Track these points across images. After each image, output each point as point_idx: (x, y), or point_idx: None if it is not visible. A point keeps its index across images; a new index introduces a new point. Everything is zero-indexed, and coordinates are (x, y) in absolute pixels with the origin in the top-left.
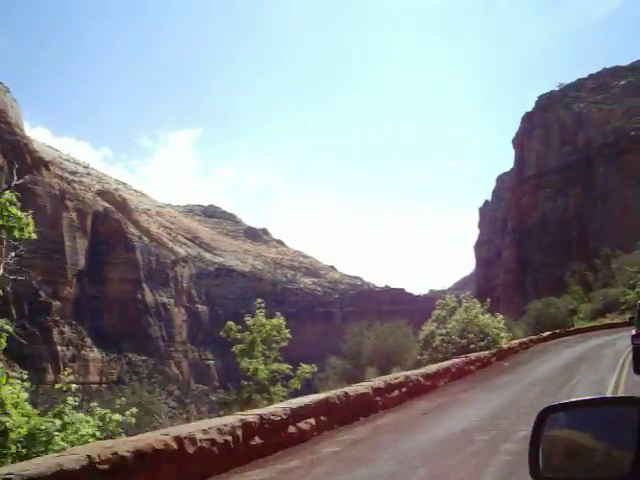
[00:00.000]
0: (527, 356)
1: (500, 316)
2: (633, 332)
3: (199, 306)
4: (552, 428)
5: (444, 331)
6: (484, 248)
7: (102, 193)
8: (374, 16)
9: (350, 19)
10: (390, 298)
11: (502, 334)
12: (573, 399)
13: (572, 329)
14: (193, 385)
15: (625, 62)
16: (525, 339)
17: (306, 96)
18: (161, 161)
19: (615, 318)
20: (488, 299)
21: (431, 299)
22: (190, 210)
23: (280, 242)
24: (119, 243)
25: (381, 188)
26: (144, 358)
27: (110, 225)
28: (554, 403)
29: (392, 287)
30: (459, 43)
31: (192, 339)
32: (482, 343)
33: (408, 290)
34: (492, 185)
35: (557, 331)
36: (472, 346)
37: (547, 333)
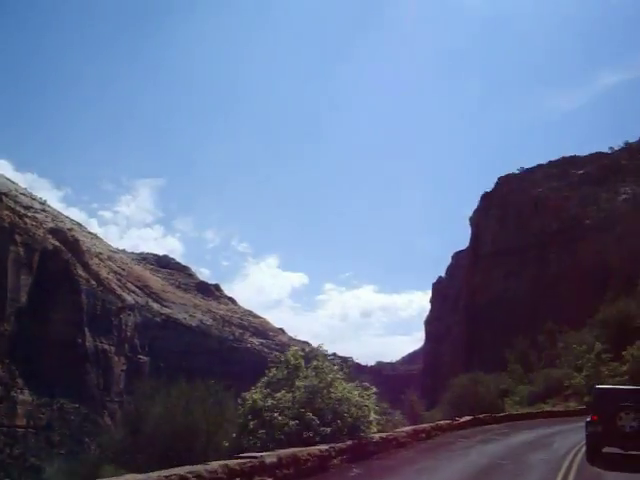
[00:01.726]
0: (409, 456)
1: (373, 389)
2: (588, 419)
3: (141, 357)
4: None
5: (270, 403)
6: (434, 324)
7: (55, 231)
8: (342, 82)
9: (315, 81)
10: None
11: (372, 416)
12: None
13: (501, 415)
14: None
15: (583, 153)
16: (427, 425)
17: (272, 157)
18: (122, 207)
19: (557, 405)
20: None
21: (377, 370)
22: (144, 258)
23: (231, 300)
24: (65, 284)
25: (340, 257)
26: (77, 405)
27: (58, 265)
28: None
29: (339, 355)
30: (421, 118)
31: (130, 390)
32: (328, 429)
33: (355, 360)
34: (448, 262)
35: (481, 416)
36: (307, 434)
37: (466, 418)
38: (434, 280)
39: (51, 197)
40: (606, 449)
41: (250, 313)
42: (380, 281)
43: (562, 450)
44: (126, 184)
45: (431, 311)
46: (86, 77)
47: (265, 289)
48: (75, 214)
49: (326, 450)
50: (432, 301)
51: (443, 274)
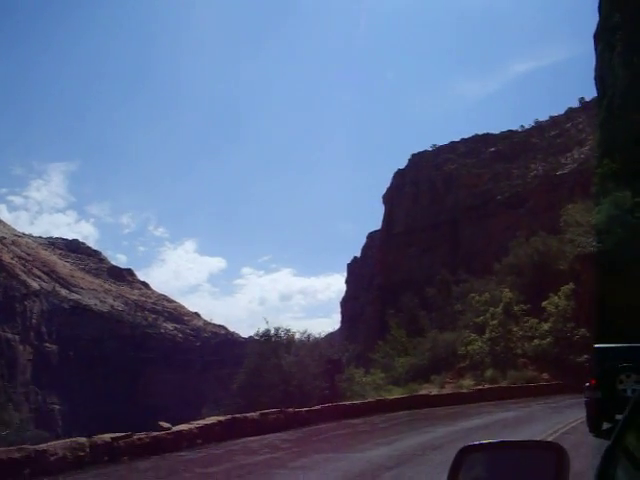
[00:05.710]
0: None
1: None
2: (587, 383)
3: (48, 345)
4: (469, 469)
5: None
6: (349, 305)
7: None
8: (260, 73)
9: (235, 67)
10: None
11: None
12: (491, 440)
13: (325, 407)
14: (33, 431)
15: (495, 131)
16: None
17: (191, 140)
18: (33, 192)
19: (445, 384)
20: None
21: None
22: (52, 243)
23: (145, 284)
24: None
25: (258, 241)
26: None
27: None
28: (472, 443)
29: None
30: (337, 103)
31: (37, 380)
32: None
33: None
34: (363, 242)
35: (268, 413)
36: None
37: (207, 421)
38: (349, 261)
39: None
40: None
41: (164, 298)
42: (298, 264)
43: None
44: (37, 168)
45: (346, 292)
46: None
47: (183, 274)
48: None
49: None
50: (347, 282)
51: (359, 255)
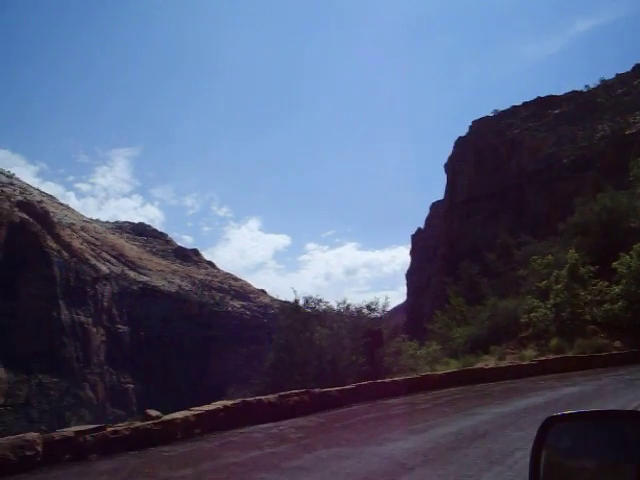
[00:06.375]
0: None
1: None
2: None
3: (120, 326)
4: (555, 438)
5: None
6: (415, 276)
7: (23, 204)
8: (320, 46)
9: (293, 42)
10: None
11: None
12: (578, 410)
13: (360, 385)
14: (109, 410)
15: (559, 92)
16: None
17: (250, 118)
18: (98, 178)
19: (507, 354)
20: None
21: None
22: (119, 227)
23: (211, 264)
24: (35, 257)
25: (321, 216)
26: (56, 380)
27: (26, 238)
28: (558, 413)
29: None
30: (395, 74)
31: (111, 361)
32: None
33: None
34: (426, 213)
35: (293, 394)
36: None
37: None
38: (413, 232)
39: (26, 172)
40: None
41: (230, 276)
42: (362, 238)
43: None
44: (101, 155)
45: (411, 263)
46: (51, 46)
47: (247, 252)
48: (52, 188)
49: None
50: (412, 253)
51: (423, 226)
